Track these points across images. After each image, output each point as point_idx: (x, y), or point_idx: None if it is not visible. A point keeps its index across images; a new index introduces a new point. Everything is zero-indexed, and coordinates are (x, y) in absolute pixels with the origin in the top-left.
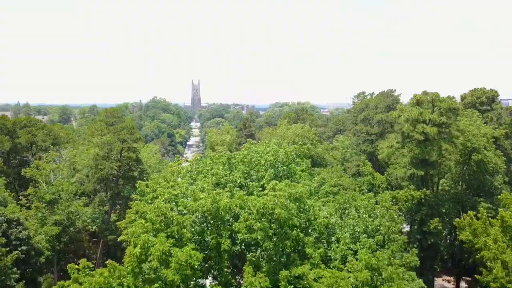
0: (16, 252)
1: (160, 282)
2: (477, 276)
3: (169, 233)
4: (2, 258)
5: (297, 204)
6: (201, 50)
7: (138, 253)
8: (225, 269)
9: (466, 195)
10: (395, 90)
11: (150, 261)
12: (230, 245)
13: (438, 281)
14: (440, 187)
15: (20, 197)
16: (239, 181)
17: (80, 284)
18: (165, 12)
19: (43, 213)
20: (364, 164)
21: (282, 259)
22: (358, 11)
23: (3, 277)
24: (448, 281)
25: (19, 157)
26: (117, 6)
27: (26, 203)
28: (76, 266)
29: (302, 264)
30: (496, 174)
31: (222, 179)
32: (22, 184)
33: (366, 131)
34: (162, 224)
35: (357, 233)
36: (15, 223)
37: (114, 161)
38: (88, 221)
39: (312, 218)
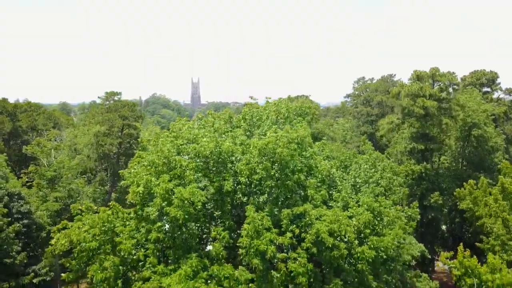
0: (18, 224)
1: (162, 221)
2: (477, 244)
3: (172, 176)
4: (4, 228)
5: (298, 150)
6: (201, 49)
7: (141, 192)
8: (228, 212)
9: (466, 171)
10: (395, 75)
11: (152, 205)
12: (232, 187)
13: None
14: (440, 165)
15: (21, 175)
16: (240, 138)
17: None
18: (165, 11)
19: (44, 191)
20: (364, 143)
21: (283, 200)
22: (358, 11)
23: (5, 247)
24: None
25: (20, 140)
26: (117, 6)
27: (27, 181)
28: (80, 207)
29: (303, 205)
30: (496, 152)
31: (224, 134)
32: (22, 166)
33: (366, 112)
34: (164, 167)
35: (358, 184)
36: (16, 197)
37: (115, 137)
38: (89, 200)
39: (314, 165)
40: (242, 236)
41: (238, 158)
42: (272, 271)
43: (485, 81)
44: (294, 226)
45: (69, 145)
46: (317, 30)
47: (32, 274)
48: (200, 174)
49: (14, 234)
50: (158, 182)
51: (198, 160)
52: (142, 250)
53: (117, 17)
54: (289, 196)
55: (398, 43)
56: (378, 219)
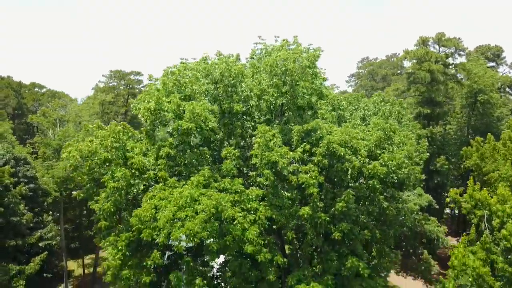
0: (24, 187)
1: (172, 138)
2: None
3: (182, 97)
4: (10, 188)
5: (309, 71)
6: (201, 49)
7: (152, 108)
8: (238, 135)
9: (473, 139)
10: (399, 54)
11: (164, 124)
12: (243, 109)
13: None
14: (446, 134)
15: (27, 145)
16: (251, 62)
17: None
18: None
19: (49, 162)
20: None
21: (294, 119)
22: (358, 11)
23: (12, 205)
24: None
25: (25, 120)
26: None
27: (32, 153)
28: (91, 126)
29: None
30: (502, 120)
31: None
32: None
33: (371, 85)
34: (175, 89)
35: (367, 116)
36: (22, 161)
37: (120, 106)
38: (90, 203)
39: (324, 93)
40: (253, 149)
41: (248, 83)
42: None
43: (490, 55)
44: (305, 143)
45: (74, 118)
46: (317, 30)
47: (39, 234)
48: (210, 98)
49: (20, 196)
50: (169, 99)
51: (207, 82)
52: (153, 167)
53: (117, 17)
54: (300, 114)
55: (398, 43)
56: (389, 142)
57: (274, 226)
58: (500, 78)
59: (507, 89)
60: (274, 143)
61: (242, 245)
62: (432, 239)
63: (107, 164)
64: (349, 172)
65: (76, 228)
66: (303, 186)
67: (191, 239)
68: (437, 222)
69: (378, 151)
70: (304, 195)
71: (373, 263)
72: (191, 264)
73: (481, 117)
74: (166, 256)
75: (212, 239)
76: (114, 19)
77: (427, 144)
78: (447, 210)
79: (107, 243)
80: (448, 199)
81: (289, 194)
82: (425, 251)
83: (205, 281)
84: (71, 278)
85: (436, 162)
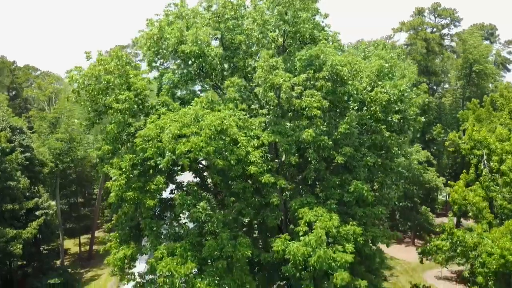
0: (20, 156)
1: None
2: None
3: (184, 26)
4: (8, 152)
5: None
6: None
7: (156, 34)
8: (241, 68)
9: None
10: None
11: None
12: (244, 38)
13: None
14: (442, 106)
15: (22, 119)
16: None
17: None
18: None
19: (45, 136)
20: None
21: (297, 47)
22: None
23: (9, 169)
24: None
25: (19, 101)
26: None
27: (28, 128)
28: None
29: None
30: (497, 91)
31: None
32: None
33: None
34: (176, 20)
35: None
36: (18, 131)
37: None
38: (90, 150)
39: (325, 29)
40: (256, 73)
41: (251, 14)
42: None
43: (484, 34)
44: (309, 70)
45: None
46: None
47: (35, 200)
48: (211, 30)
49: (16, 163)
50: (172, 27)
51: (209, 17)
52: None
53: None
54: (302, 47)
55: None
56: (390, 75)
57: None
58: (496, 52)
59: (500, 66)
60: (277, 68)
61: (246, 167)
62: (431, 188)
63: (111, 89)
64: (352, 98)
65: (72, 207)
66: (306, 110)
67: (196, 153)
68: (435, 172)
69: (380, 82)
70: (307, 118)
71: (376, 194)
72: (195, 188)
73: (476, 89)
74: (168, 190)
75: (217, 155)
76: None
77: (427, 86)
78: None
79: (110, 166)
80: (447, 143)
81: (292, 125)
82: (424, 206)
83: (208, 206)
84: (67, 255)
85: (432, 130)
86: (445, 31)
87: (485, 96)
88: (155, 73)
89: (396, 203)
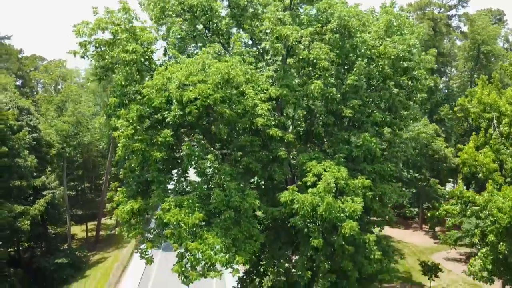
0: (28, 136)
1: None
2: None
3: None
4: (15, 130)
5: None
6: None
7: None
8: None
9: None
10: None
11: None
12: None
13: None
14: (450, 88)
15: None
16: None
17: None
18: None
19: (53, 118)
20: None
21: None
22: None
23: (17, 147)
24: None
25: (26, 87)
26: None
27: (36, 110)
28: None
29: None
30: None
31: None
32: None
33: None
34: None
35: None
36: (26, 111)
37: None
38: (96, 135)
39: None
40: (263, 25)
41: None
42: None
43: (492, 18)
44: (316, 24)
45: (76, 74)
46: None
47: (43, 178)
48: None
49: (24, 142)
50: None
51: None
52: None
53: None
54: (311, 4)
55: None
56: (399, 32)
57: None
58: (504, 35)
59: (508, 51)
60: (284, 22)
61: (253, 119)
62: (440, 158)
63: (118, 42)
64: (360, 53)
65: (78, 193)
66: (314, 61)
67: (204, 100)
68: (444, 140)
69: (389, 39)
70: (315, 69)
71: (385, 153)
72: (202, 141)
73: (484, 71)
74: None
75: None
76: None
77: (436, 50)
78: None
79: (117, 118)
80: (456, 108)
81: (299, 80)
82: (432, 179)
83: (216, 160)
84: (74, 240)
85: (440, 111)
86: (452, 12)
87: (493, 72)
88: (162, 31)
89: (404, 172)
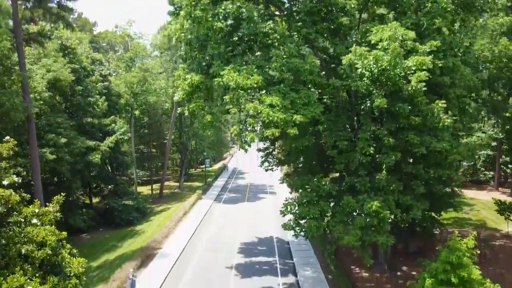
0: (99, 83)
1: None
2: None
3: None
4: (89, 72)
5: None
6: None
7: None
8: None
9: None
10: None
11: None
12: None
13: None
14: None
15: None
16: None
17: None
18: None
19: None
20: None
21: None
22: None
23: (89, 87)
24: None
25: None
26: None
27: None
28: None
29: None
30: None
31: None
32: None
33: None
34: None
35: None
36: (98, 62)
37: None
38: (161, 96)
39: None
40: None
41: None
42: None
43: None
44: None
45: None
46: None
47: (112, 117)
48: None
49: (95, 87)
50: None
51: None
52: None
53: None
54: None
55: None
56: None
57: None
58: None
59: None
60: None
61: None
62: None
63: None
64: None
65: (145, 158)
66: None
67: None
68: None
69: None
70: None
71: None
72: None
73: None
74: None
75: None
76: None
77: None
78: None
79: None
80: None
81: None
82: None
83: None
84: (140, 195)
85: None
86: None
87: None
88: None
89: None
